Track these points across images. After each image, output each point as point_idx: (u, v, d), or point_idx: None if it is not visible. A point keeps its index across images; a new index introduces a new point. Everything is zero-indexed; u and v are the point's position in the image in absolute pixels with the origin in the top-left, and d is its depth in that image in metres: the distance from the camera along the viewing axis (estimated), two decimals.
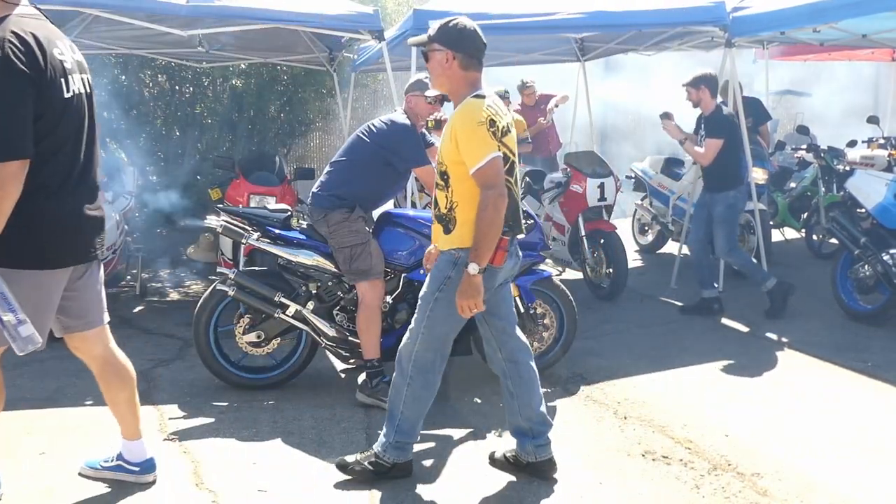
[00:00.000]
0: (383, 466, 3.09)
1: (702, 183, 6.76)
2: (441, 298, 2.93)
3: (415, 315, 3.05)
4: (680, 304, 5.97)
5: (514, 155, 2.94)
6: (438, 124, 4.34)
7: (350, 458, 3.15)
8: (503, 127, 2.87)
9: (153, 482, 3.05)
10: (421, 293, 3.04)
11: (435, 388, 3.10)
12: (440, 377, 3.10)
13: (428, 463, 3.32)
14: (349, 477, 3.11)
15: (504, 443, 3.52)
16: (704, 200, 5.68)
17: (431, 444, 3.49)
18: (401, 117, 4.03)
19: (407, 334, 3.07)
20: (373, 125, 4.02)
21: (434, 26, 2.92)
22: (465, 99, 2.90)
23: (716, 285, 5.78)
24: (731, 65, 6.05)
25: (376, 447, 3.12)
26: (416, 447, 3.46)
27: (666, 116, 5.80)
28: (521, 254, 3.19)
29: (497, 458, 3.26)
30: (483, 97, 2.88)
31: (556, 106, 8.42)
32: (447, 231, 2.93)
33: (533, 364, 3.20)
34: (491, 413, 3.86)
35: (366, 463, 3.10)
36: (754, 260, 6.00)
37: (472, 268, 2.78)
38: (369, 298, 3.89)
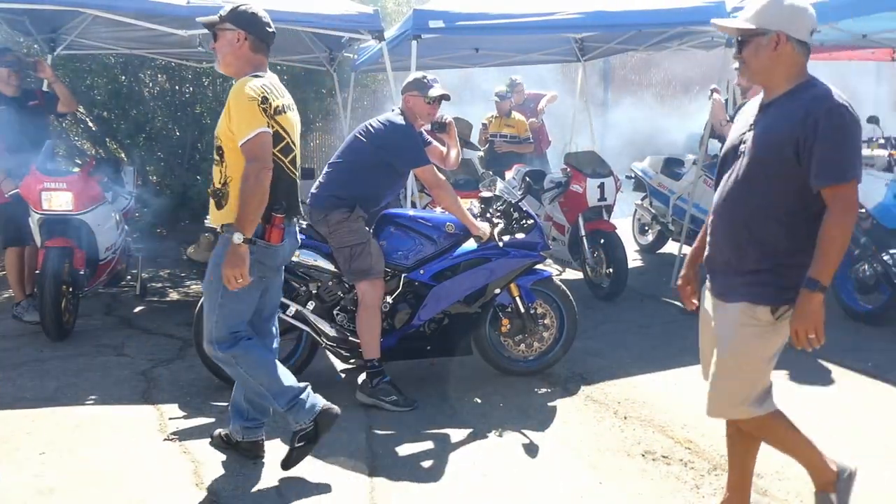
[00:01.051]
0: (308, 432, 3.12)
1: (702, 182, 6.79)
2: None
3: (204, 301, 3.11)
4: (679, 304, 5.96)
5: (289, 136, 3.03)
6: (442, 127, 4.36)
7: (287, 454, 3.16)
8: (278, 106, 2.96)
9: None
10: (205, 278, 3.08)
11: (256, 348, 3.09)
12: (254, 337, 3.12)
13: (428, 463, 3.32)
14: (295, 463, 3.14)
15: (505, 442, 3.52)
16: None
17: (432, 445, 3.49)
18: (398, 118, 4.01)
19: (205, 322, 3.09)
20: (370, 126, 4.01)
21: (227, 8, 3.05)
22: None
23: None
24: (731, 65, 6.04)
25: (291, 424, 3.13)
26: (417, 447, 3.46)
27: (717, 92, 5.66)
28: (300, 238, 3.29)
29: (214, 436, 3.37)
30: (260, 77, 2.98)
31: (545, 104, 8.43)
32: (219, 206, 3.00)
33: (274, 357, 3.22)
34: (491, 413, 3.86)
35: (296, 443, 3.12)
36: None
37: (237, 236, 2.82)
38: (369, 298, 3.89)
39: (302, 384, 3.17)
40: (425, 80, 4.08)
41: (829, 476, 2.69)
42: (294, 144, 3.08)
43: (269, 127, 2.90)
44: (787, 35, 2.35)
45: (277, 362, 3.16)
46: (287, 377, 3.14)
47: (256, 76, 2.97)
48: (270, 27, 3.10)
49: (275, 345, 3.30)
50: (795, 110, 2.34)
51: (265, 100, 2.90)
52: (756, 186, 2.43)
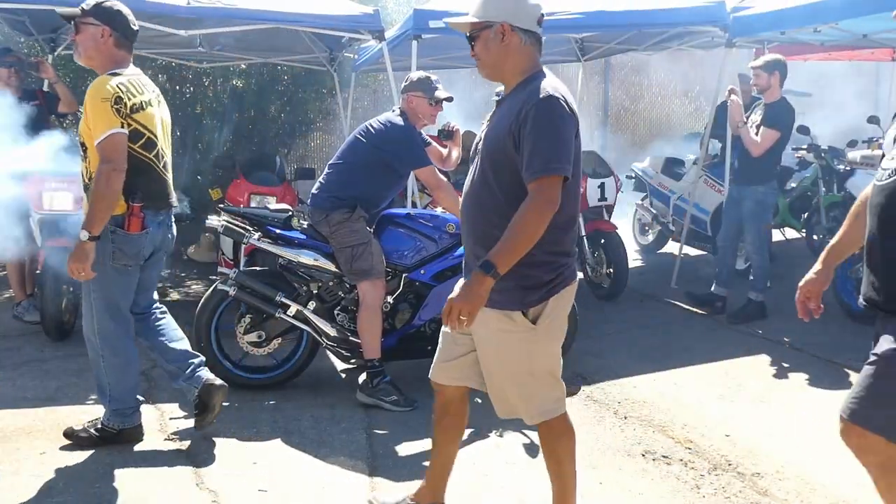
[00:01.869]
0: (109, 432, 3.34)
1: (703, 183, 6.79)
2: (97, 271, 3.13)
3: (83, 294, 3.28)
4: (680, 304, 5.97)
5: (150, 131, 3.13)
6: (449, 134, 4.36)
7: (78, 427, 3.36)
8: (134, 104, 3.05)
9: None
10: None
11: (128, 354, 3.33)
12: (132, 343, 3.36)
13: (428, 463, 3.32)
14: (74, 443, 3.33)
15: (505, 442, 3.52)
16: (734, 195, 5.60)
17: (432, 445, 3.49)
18: (398, 118, 4.01)
19: (84, 314, 3.28)
20: (371, 126, 4.01)
21: (90, 2, 3.12)
22: None
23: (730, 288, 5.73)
24: (731, 65, 6.05)
25: (102, 416, 3.36)
26: (417, 447, 3.46)
27: (734, 92, 5.65)
28: (175, 231, 3.41)
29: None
30: (118, 74, 3.07)
31: None
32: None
33: (137, 365, 3.43)
34: (491, 413, 3.84)
35: (92, 430, 3.34)
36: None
37: (83, 234, 3.00)
38: (370, 298, 3.89)
39: (139, 400, 3.43)
40: (430, 82, 4.07)
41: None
42: (156, 138, 3.19)
43: (123, 127, 3.00)
44: (512, 25, 2.33)
45: (134, 373, 3.38)
46: (135, 390, 3.38)
47: (115, 74, 3.08)
48: (135, 25, 3.19)
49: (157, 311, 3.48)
50: (516, 104, 2.31)
51: (118, 100, 3.00)
52: (486, 185, 2.36)
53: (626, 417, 3.81)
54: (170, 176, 3.33)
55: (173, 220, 3.40)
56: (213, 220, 4.09)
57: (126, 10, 3.16)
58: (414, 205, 5.95)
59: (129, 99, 3.04)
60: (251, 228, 4.00)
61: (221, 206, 4.47)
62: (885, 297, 2.08)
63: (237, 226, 4.01)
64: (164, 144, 3.28)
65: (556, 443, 2.58)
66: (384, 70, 6.01)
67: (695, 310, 5.79)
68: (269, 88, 9.29)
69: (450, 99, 4.14)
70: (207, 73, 9.07)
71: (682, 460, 3.33)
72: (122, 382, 3.32)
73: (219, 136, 9.16)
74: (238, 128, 9.09)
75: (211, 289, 4.06)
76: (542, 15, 2.40)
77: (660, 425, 3.71)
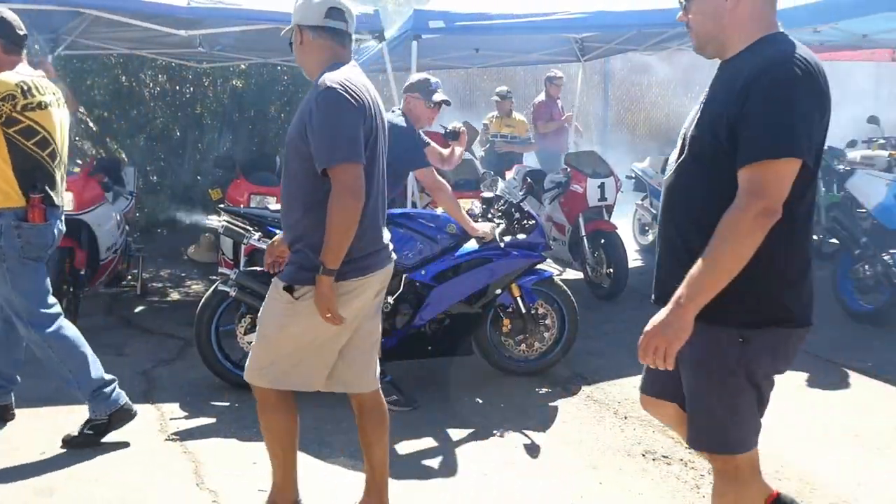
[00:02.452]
0: (100, 424, 3.36)
1: None
2: (4, 266, 3.23)
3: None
4: None
5: (45, 130, 3.24)
6: (455, 135, 4.37)
7: (74, 433, 3.37)
8: (30, 103, 3.18)
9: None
10: None
11: (72, 334, 3.38)
12: (65, 322, 3.42)
13: (428, 463, 3.33)
14: (76, 447, 3.33)
15: (505, 442, 3.53)
16: None
17: (432, 444, 3.50)
18: (399, 118, 4.01)
19: (16, 323, 3.33)
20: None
21: None
22: None
23: None
24: None
25: (88, 413, 3.36)
26: (417, 447, 3.46)
27: None
28: (62, 228, 3.47)
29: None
30: (15, 73, 3.22)
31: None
32: None
33: (84, 345, 3.44)
34: (491, 413, 3.86)
35: (86, 430, 3.35)
36: None
37: None
38: None
39: (109, 377, 3.40)
40: (429, 84, 4.08)
41: (289, 498, 2.71)
42: (52, 139, 3.30)
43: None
44: (300, 25, 2.52)
45: (88, 351, 3.39)
46: (96, 367, 3.37)
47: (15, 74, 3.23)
48: (21, 30, 3.30)
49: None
50: (309, 100, 2.45)
51: (11, 97, 3.14)
52: (291, 171, 2.52)
53: (626, 417, 3.81)
54: (60, 177, 3.41)
55: (61, 222, 3.48)
56: (213, 221, 4.09)
57: (10, 16, 3.27)
58: (414, 205, 5.95)
59: (27, 98, 3.18)
60: (251, 228, 4.00)
61: (221, 206, 4.48)
62: (659, 292, 2.09)
63: (237, 226, 4.01)
64: (61, 146, 3.39)
65: (260, 415, 2.71)
66: (384, 70, 6.01)
67: None
68: (269, 88, 9.28)
69: (447, 102, 4.15)
70: (207, 73, 9.06)
71: (682, 460, 3.33)
72: (82, 364, 3.34)
73: (219, 136, 9.16)
74: (238, 128, 9.09)
75: (211, 289, 4.06)
76: (332, 8, 2.51)
77: (660, 425, 3.71)
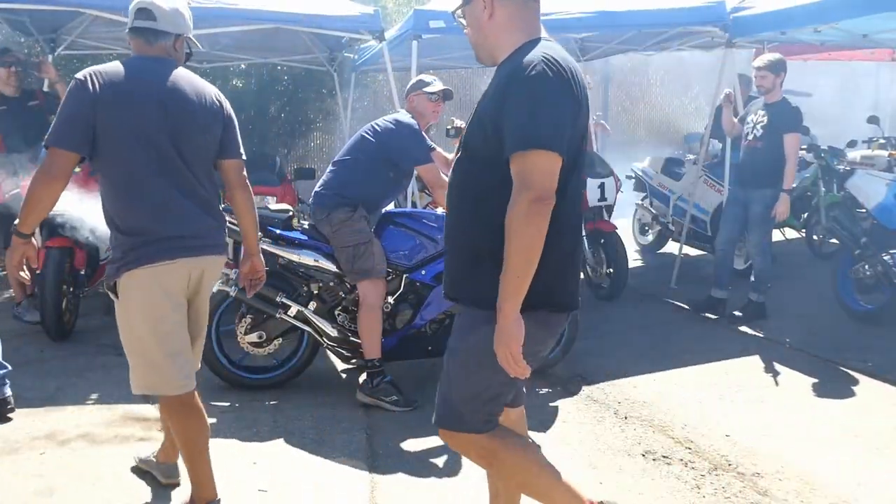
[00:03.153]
0: None
1: (703, 183, 6.78)
2: None
3: None
4: (680, 304, 5.97)
5: None
6: (458, 131, 4.37)
7: None
8: None
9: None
10: None
11: None
12: None
13: (428, 462, 3.33)
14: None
15: None
16: (738, 197, 5.46)
17: (432, 444, 3.50)
18: (406, 116, 4.03)
19: None
20: (377, 124, 4.02)
21: None
22: None
23: (730, 288, 5.67)
24: (731, 65, 6.06)
25: None
26: (417, 447, 3.46)
27: (729, 99, 5.59)
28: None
29: None
30: None
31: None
32: None
33: None
34: None
35: None
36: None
37: None
38: (371, 298, 3.89)
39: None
40: (426, 82, 4.11)
41: (208, 495, 2.75)
42: None
43: None
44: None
45: None
46: None
47: None
48: None
49: None
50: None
51: None
52: None
53: (626, 417, 3.81)
54: None
55: None
56: None
57: None
58: (414, 205, 5.95)
59: None
60: None
61: (222, 206, 4.47)
62: (448, 286, 2.16)
63: (237, 226, 4.00)
64: None
65: (169, 417, 2.74)
66: (384, 70, 6.01)
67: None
68: (269, 88, 9.29)
69: (449, 92, 4.16)
70: (207, 73, 9.06)
71: (682, 460, 3.33)
72: None
73: None
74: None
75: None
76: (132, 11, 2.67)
77: (660, 425, 3.71)
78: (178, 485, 3.02)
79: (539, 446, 2.37)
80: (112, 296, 2.62)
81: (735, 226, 5.49)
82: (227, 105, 2.88)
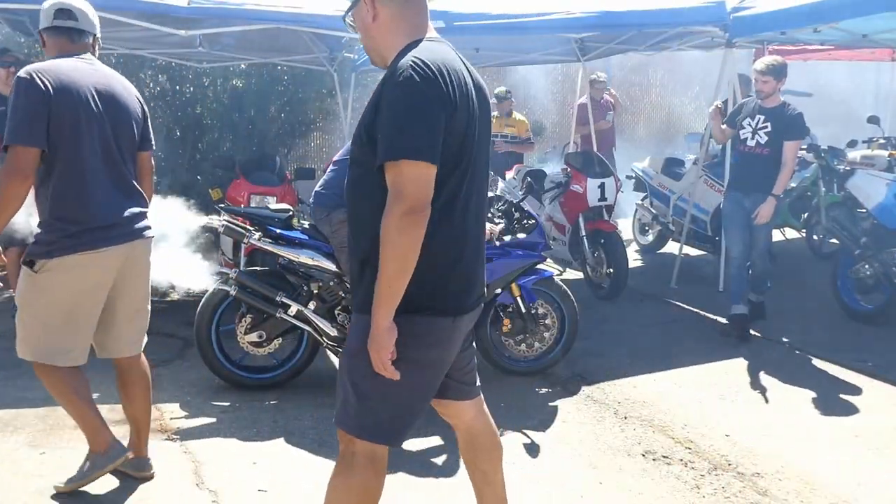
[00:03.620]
0: None
1: (703, 182, 6.78)
2: None
3: None
4: (679, 304, 5.97)
5: None
6: None
7: None
8: None
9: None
10: None
11: None
12: None
13: (428, 462, 3.33)
14: None
15: (505, 442, 3.52)
16: (743, 205, 5.10)
17: (432, 444, 3.50)
18: None
19: None
20: None
21: None
22: None
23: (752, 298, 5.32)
24: (731, 65, 6.06)
25: None
26: (418, 445, 3.46)
27: (719, 112, 5.39)
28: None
29: None
30: None
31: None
32: None
33: None
34: (491, 413, 3.84)
35: None
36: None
37: None
38: None
39: None
40: None
41: (102, 443, 2.93)
42: None
43: None
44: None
45: None
46: None
47: None
48: None
49: None
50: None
51: None
52: None
53: (626, 417, 3.81)
54: None
55: None
56: (214, 220, 4.09)
57: None
58: None
59: None
60: (251, 228, 4.00)
61: (221, 206, 4.48)
62: (353, 300, 2.13)
63: (237, 226, 4.01)
64: None
65: (45, 377, 2.86)
66: (384, 70, 6.01)
67: (695, 310, 5.79)
68: (269, 88, 9.28)
69: None
70: (207, 73, 9.06)
71: (682, 460, 3.33)
72: None
73: (219, 136, 9.15)
74: (238, 128, 9.09)
75: (211, 289, 4.06)
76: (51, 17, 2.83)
77: (660, 425, 3.71)
78: (151, 477, 3.09)
79: None
80: (26, 267, 2.72)
81: (746, 235, 5.13)
82: (142, 100, 3.10)
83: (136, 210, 2.86)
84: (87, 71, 2.79)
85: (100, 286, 2.81)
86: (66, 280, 2.71)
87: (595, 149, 8.15)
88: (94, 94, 2.75)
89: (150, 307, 3.07)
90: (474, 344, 4.26)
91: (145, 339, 3.09)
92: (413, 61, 1.86)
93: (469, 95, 1.96)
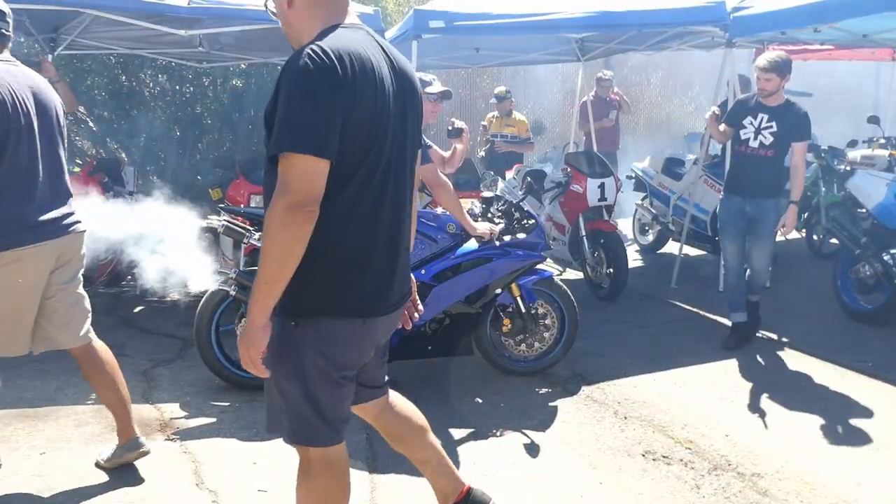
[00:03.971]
0: None
1: (703, 182, 6.78)
2: None
3: None
4: (679, 304, 5.97)
5: None
6: (458, 132, 4.37)
7: None
8: None
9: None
10: None
11: None
12: None
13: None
14: None
15: (505, 442, 3.53)
16: (742, 209, 4.87)
17: None
18: None
19: None
20: None
21: None
22: None
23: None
24: (731, 65, 6.06)
25: None
26: None
27: (715, 117, 5.12)
28: None
29: None
30: None
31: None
32: None
33: None
34: (491, 413, 3.86)
35: None
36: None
37: None
38: None
39: None
40: (426, 79, 4.10)
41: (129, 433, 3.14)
42: None
43: None
44: None
45: None
46: None
47: None
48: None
49: None
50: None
51: None
52: None
53: (626, 417, 3.81)
54: None
55: None
56: (213, 220, 4.09)
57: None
58: None
59: None
60: (251, 228, 4.00)
61: (221, 206, 4.48)
62: None
63: (237, 226, 4.01)
64: None
65: None
66: None
67: (695, 310, 5.79)
68: (269, 88, 9.26)
69: (448, 93, 4.16)
70: (207, 73, 9.06)
71: (682, 460, 3.33)
72: None
73: (218, 136, 9.15)
74: (238, 128, 9.09)
75: (211, 289, 4.06)
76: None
77: (660, 425, 3.71)
78: (147, 452, 3.17)
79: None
80: None
81: (743, 243, 4.92)
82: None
83: (67, 207, 2.98)
84: (19, 73, 2.88)
85: (36, 280, 2.90)
86: (4, 275, 2.81)
87: (596, 148, 8.17)
88: (30, 96, 2.86)
89: (85, 294, 3.14)
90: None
91: (87, 326, 3.13)
92: (311, 49, 1.79)
93: (380, 85, 1.88)
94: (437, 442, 2.49)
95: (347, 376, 2.03)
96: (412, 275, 2.37)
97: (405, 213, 2.07)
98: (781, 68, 4.63)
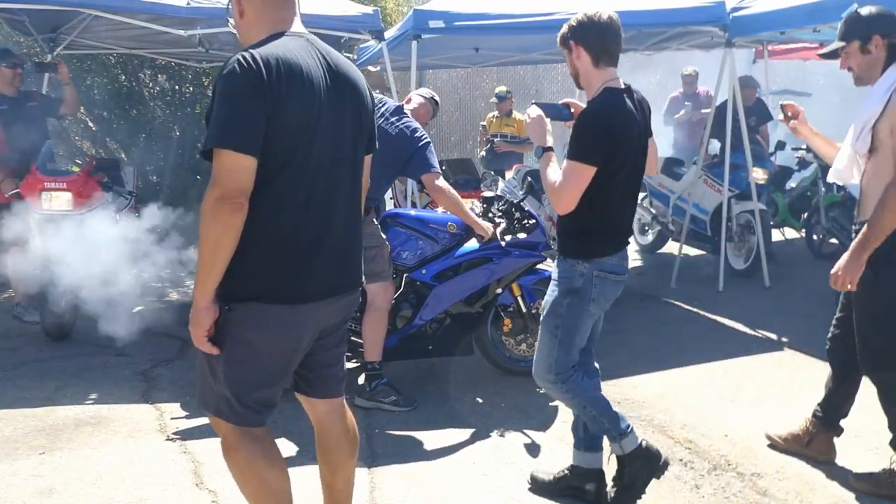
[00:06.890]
0: None
1: (702, 182, 6.78)
2: None
3: None
4: (679, 304, 5.96)
5: None
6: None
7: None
8: None
9: None
10: None
11: None
12: None
13: (428, 463, 3.33)
14: None
15: (505, 442, 3.52)
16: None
17: (432, 444, 3.49)
18: (415, 122, 4.02)
19: None
20: (390, 127, 3.89)
21: None
22: None
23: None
24: (731, 65, 6.06)
25: None
26: (417, 447, 3.46)
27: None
28: None
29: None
30: None
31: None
32: None
33: None
34: (491, 413, 3.86)
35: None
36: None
37: None
38: (379, 301, 3.87)
39: None
40: (437, 99, 4.22)
41: None
42: None
43: None
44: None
45: None
46: None
47: None
48: None
49: None
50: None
51: None
52: None
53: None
54: None
55: None
56: None
57: None
58: (414, 205, 5.95)
59: None
60: None
61: None
62: None
63: None
64: None
65: None
66: (384, 70, 6.01)
67: (695, 310, 5.79)
68: None
69: (434, 101, 4.25)
70: (207, 73, 9.07)
71: (681, 460, 3.33)
72: None
73: None
74: None
75: None
76: None
77: (659, 425, 3.71)
78: None
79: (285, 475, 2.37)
80: None
81: None
82: None
83: None
84: None
85: None
86: None
87: (687, 142, 8.33)
88: None
89: None
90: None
91: None
92: (240, 55, 1.93)
93: (311, 89, 2.00)
94: (353, 479, 2.52)
95: (279, 362, 2.14)
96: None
97: (340, 206, 2.15)
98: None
